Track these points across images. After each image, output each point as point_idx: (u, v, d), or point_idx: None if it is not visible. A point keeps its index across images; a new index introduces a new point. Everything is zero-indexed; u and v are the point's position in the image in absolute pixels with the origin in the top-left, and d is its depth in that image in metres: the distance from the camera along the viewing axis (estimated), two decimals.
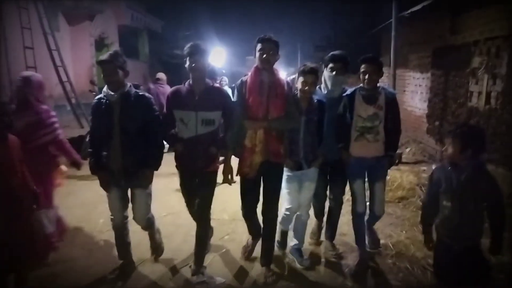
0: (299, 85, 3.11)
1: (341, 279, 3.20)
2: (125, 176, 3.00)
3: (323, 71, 3.33)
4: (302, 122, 3.10)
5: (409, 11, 7.52)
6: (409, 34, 8.71)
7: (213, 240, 3.68)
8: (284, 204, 3.31)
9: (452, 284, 2.46)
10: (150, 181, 3.11)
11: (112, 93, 2.92)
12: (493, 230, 2.32)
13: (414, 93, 8.76)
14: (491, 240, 2.33)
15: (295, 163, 3.16)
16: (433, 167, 6.59)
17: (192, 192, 3.15)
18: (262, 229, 3.27)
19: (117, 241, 3.22)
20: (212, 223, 3.36)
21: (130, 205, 3.16)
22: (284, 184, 3.23)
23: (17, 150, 2.72)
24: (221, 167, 3.11)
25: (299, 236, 3.47)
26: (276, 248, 3.42)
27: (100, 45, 11.39)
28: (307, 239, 3.73)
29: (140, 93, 3.05)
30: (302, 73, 3.07)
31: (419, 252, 3.51)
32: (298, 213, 3.35)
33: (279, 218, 3.32)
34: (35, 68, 8.79)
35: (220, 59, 16.69)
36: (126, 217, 3.18)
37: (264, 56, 2.91)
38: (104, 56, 2.88)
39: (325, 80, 3.33)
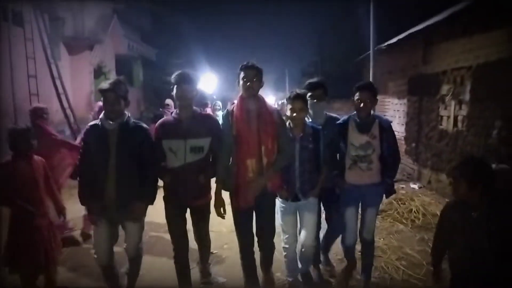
0: (288, 113, 3.03)
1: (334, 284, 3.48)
2: (118, 209, 2.86)
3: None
4: (296, 151, 3.01)
5: (385, 44, 8.28)
6: (388, 63, 9.49)
7: (213, 249, 4.09)
8: (282, 237, 3.23)
9: None
10: (144, 214, 3.01)
11: (110, 122, 2.82)
12: None
13: (393, 118, 9.44)
14: None
15: (290, 194, 3.06)
16: (411, 185, 7.24)
17: (181, 223, 3.06)
18: (260, 256, 3.18)
19: (105, 279, 3.06)
20: (211, 235, 3.44)
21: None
22: (279, 217, 3.17)
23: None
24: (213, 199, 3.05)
25: (305, 264, 3.32)
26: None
27: (98, 73, 11.94)
28: None
29: (138, 124, 2.98)
30: (289, 100, 3.01)
31: (393, 255, 4.04)
32: (302, 249, 3.16)
33: (283, 248, 3.26)
34: (38, 96, 9.31)
35: (211, 85, 17.40)
36: (113, 253, 3.02)
37: (248, 84, 2.83)
38: (106, 84, 2.79)
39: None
